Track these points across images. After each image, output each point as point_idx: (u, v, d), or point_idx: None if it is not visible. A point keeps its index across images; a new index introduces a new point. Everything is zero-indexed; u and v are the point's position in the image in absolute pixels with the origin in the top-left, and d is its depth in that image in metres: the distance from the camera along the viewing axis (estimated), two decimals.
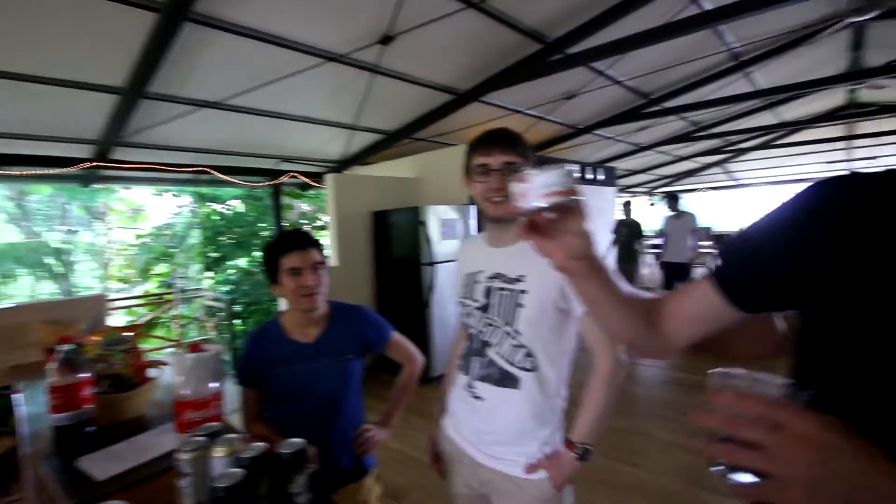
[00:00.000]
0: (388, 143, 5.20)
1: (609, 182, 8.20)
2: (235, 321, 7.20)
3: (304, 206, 12.63)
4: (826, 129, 9.38)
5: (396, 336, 1.67)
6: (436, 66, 4.04)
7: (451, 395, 1.45)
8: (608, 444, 3.25)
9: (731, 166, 12.20)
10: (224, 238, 11.07)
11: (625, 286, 0.74)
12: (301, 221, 12.62)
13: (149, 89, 3.32)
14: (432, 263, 4.66)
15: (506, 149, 1.25)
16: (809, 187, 0.59)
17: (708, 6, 3.77)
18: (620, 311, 0.72)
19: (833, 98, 7.86)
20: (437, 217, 4.75)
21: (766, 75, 5.93)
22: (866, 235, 0.53)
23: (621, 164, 9.62)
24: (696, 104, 5.83)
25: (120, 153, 4.31)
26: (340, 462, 1.50)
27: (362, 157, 5.47)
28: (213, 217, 11.26)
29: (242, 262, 11.16)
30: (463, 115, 4.85)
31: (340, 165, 5.70)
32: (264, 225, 11.02)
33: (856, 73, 5.17)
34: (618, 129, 7.13)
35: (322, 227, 11.22)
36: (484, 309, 1.31)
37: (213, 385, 1.23)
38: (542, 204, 0.61)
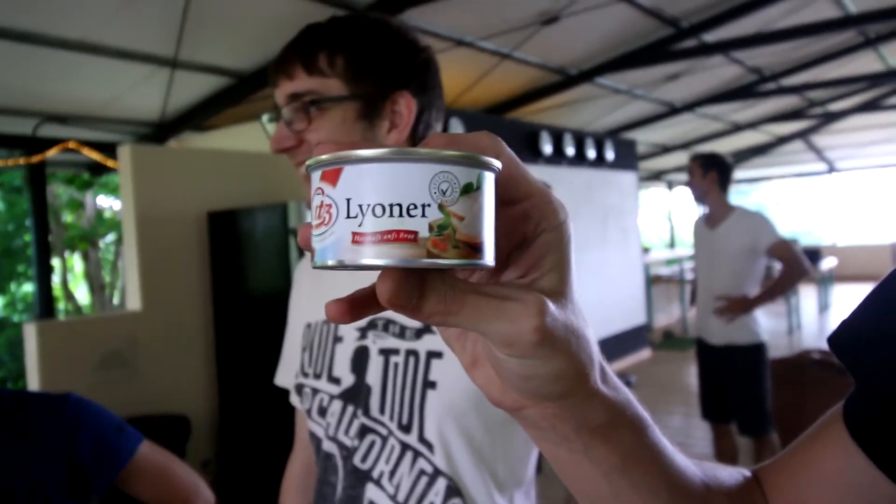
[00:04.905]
0: (242, 93, 3.88)
1: (626, 164, 6.39)
2: None
3: (105, 203, 8.73)
4: None
5: (149, 453, 1.03)
6: None
7: None
8: None
9: (820, 140, 9.65)
10: None
11: (681, 461, 0.35)
12: (102, 230, 8.45)
13: None
14: None
15: (291, 63, 0.71)
16: None
17: None
18: None
19: None
20: None
21: None
22: None
23: (644, 136, 7.48)
24: (754, 37, 4.69)
25: None
26: None
27: (198, 116, 4.16)
28: None
29: None
30: None
31: (159, 131, 4.32)
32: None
33: None
34: (635, 78, 5.56)
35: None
36: (352, 396, 0.76)
37: None
38: (374, 261, 0.22)
